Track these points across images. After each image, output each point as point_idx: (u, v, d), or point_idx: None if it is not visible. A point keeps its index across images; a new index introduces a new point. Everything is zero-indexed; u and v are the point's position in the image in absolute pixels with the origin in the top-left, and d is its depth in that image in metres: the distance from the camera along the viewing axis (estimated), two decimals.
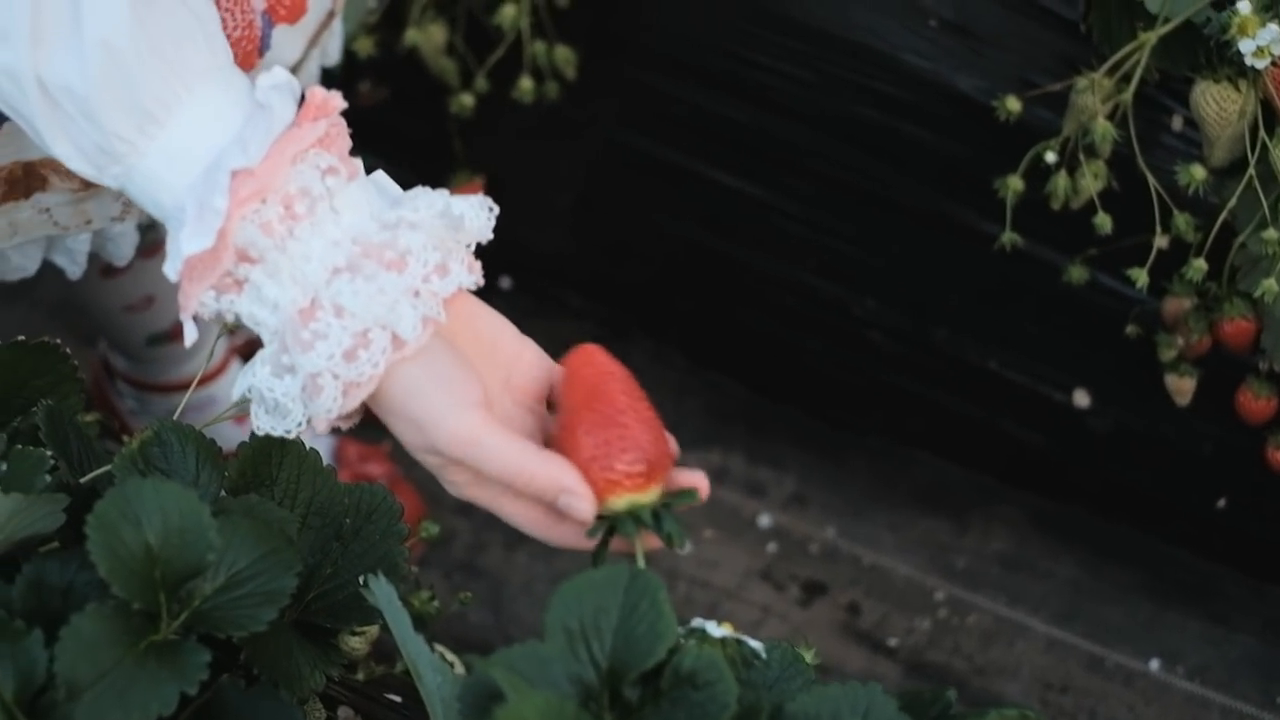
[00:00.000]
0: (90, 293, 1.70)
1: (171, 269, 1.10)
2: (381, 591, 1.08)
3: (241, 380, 1.12)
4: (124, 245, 1.48)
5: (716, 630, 1.04)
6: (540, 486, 1.09)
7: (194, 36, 1.10)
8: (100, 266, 1.64)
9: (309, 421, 1.11)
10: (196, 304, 1.09)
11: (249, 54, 1.39)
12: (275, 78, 1.11)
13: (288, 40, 1.43)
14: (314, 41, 1.47)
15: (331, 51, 1.57)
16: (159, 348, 1.75)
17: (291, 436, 1.12)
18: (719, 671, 0.92)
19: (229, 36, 1.35)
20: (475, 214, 1.11)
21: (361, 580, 1.13)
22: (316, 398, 1.08)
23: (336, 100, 1.12)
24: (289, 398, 1.10)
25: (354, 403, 1.08)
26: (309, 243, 1.08)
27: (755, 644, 1.04)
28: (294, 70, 1.46)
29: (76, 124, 1.08)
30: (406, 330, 1.08)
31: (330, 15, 1.49)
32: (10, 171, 1.32)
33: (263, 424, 1.12)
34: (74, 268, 1.47)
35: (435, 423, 1.09)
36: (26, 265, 1.44)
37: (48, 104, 1.08)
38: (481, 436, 1.09)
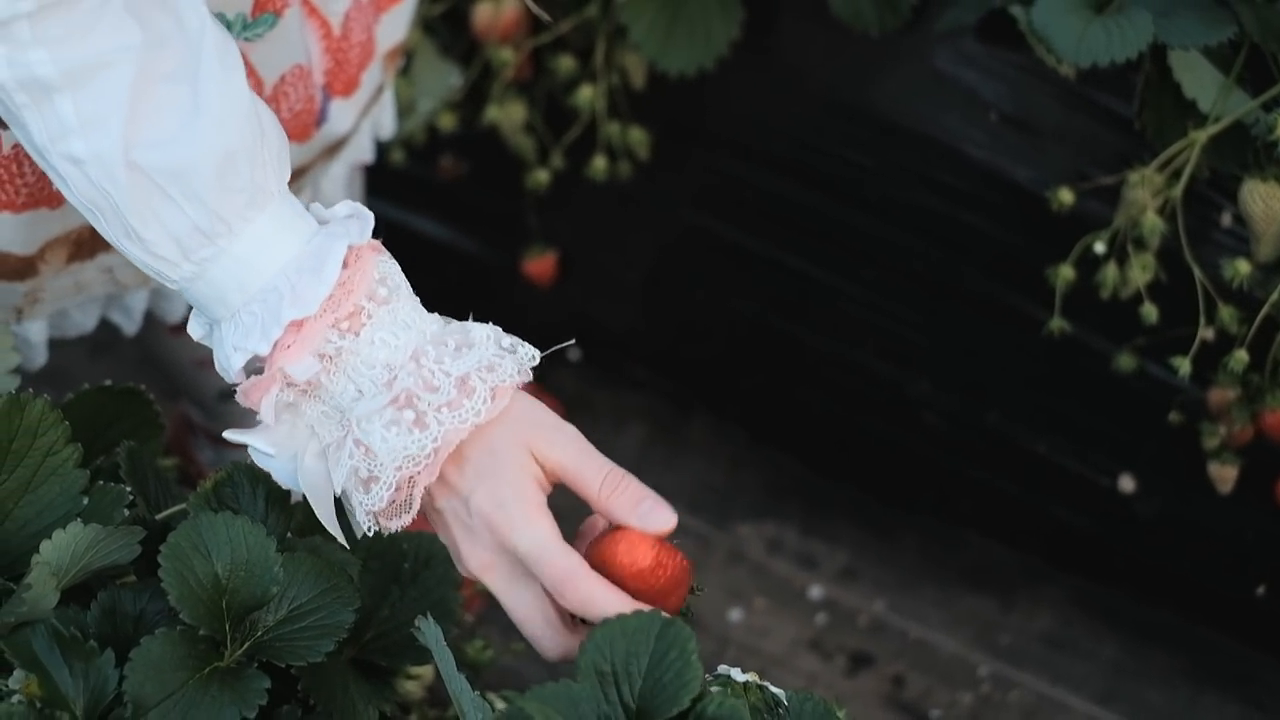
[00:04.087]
0: (163, 350, 1.77)
1: (264, 340, 1.15)
2: (429, 631, 1.14)
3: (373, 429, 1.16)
4: (178, 302, 1.55)
5: (740, 676, 1.09)
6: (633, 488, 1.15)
7: (283, 144, 1.19)
8: (169, 325, 1.71)
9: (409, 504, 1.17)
10: (321, 341, 1.14)
11: (307, 125, 1.46)
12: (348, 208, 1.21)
13: (343, 113, 1.50)
14: (365, 113, 1.55)
15: (385, 123, 1.64)
16: (231, 402, 1.81)
17: (404, 521, 1.17)
18: None
19: (291, 110, 1.43)
20: (524, 348, 1.18)
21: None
22: (467, 398, 1.14)
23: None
24: (436, 403, 1.14)
25: (499, 408, 1.15)
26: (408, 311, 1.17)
27: (777, 690, 1.09)
28: (346, 139, 1.54)
29: (176, 206, 1.15)
30: (524, 357, 1.17)
31: (380, 89, 1.57)
32: (79, 234, 1.40)
33: (366, 502, 1.17)
34: (130, 324, 1.55)
35: (562, 426, 1.17)
36: (85, 323, 1.51)
37: (142, 186, 1.15)
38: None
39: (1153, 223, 1.62)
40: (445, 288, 2.11)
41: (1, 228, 1.36)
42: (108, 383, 1.34)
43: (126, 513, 1.19)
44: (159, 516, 1.23)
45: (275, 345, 1.15)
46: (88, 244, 1.41)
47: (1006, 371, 1.85)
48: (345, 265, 1.15)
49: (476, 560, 1.17)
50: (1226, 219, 1.68)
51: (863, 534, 1.96)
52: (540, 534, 1.14)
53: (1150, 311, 1.65)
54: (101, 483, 1.21)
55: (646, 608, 1.10)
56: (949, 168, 1.80)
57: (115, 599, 1.16)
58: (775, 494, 1.98)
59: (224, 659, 1.13)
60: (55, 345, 1.53)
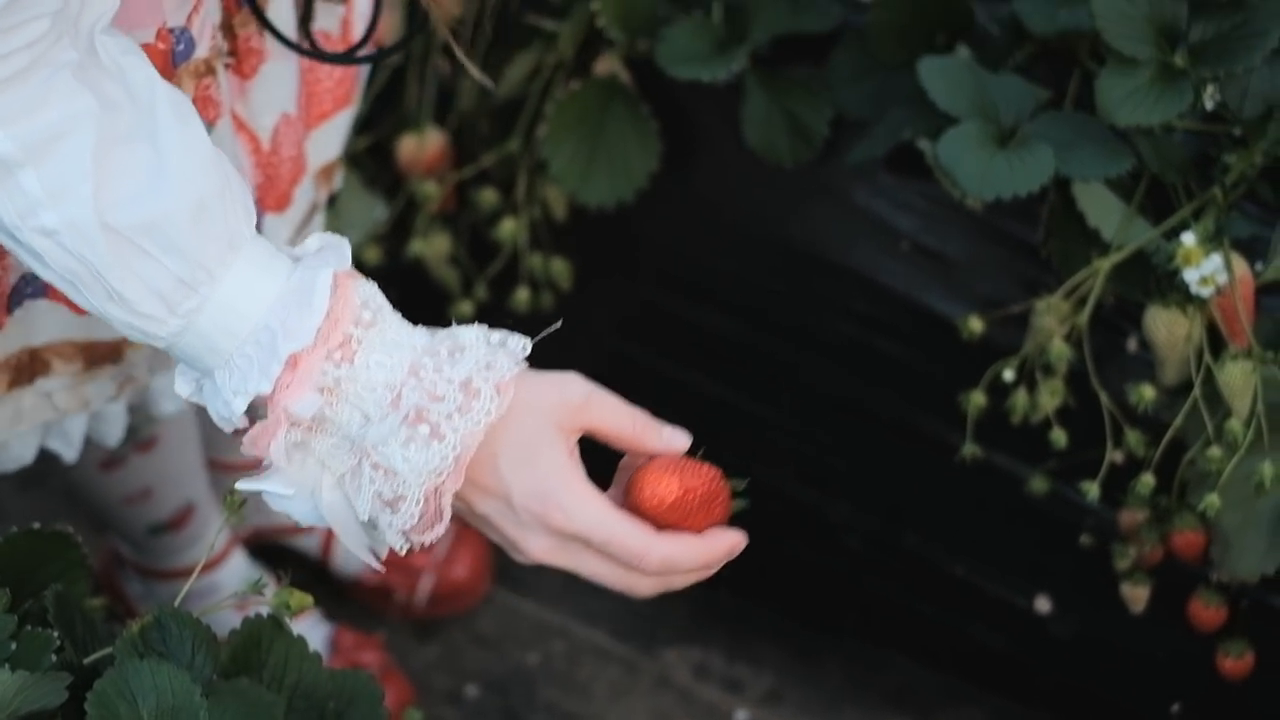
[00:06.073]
0: (90, 486, 1.78)
1: (265, 378, 1.16)
2: None
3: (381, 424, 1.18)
4: (115, 426, 1.56)
5: None
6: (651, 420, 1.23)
7: (245, 189, 1.21)
8: (99, 460, 1.71)
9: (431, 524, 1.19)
10: (318, 375, 1.16)
11: None
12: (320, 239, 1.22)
13: (274, 229, 1.51)
14: (299, 231, 1.56)
15: None
16: (160, 537, 1.83)
17: (438, 532, 1.19)
18: None
19: None
20: (514, 338, 1.23)
21: None
22: (474, 400, 1.17)
23: None
24: (446, 411, 1.17)
25: (506, 402, 1.18)
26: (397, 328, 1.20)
27: None
28: None
29: (155, 261, 1.15)
30: (516, 347, 1.22)
31: (314, 208, 1.58)
32: (18, 359, 1.40)
33: (393, 524, 1.18)
34: (69, 451, 1.54)
35: (575, 392, 1.23)
36: (24, 454, 1.51)
37: (119, 247, 1.14)
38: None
39: (1060, 349, 1.66)
40: None
41: None
42: (36, 525, 1.35)
43: (54, 658, 1.21)
44: (86, 661, 1.25)
45: (276, 384, 1.16)
46: (26, 369, 1.42)
47: (924, 495, 1.88)
48: (330, 293, 1.17)
49: (537, 548, 1.20)
50: (1132, 344, 1.72)
51: (787, 657, 1.99)
52: (595, 516, 1.18)
53: (1059, 436, 1.68)
54: (29, 628, 1.23)
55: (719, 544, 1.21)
56: (864, 296, 1.83)
57: None
58: (701, 619, 2.01)
59: None
60: None
